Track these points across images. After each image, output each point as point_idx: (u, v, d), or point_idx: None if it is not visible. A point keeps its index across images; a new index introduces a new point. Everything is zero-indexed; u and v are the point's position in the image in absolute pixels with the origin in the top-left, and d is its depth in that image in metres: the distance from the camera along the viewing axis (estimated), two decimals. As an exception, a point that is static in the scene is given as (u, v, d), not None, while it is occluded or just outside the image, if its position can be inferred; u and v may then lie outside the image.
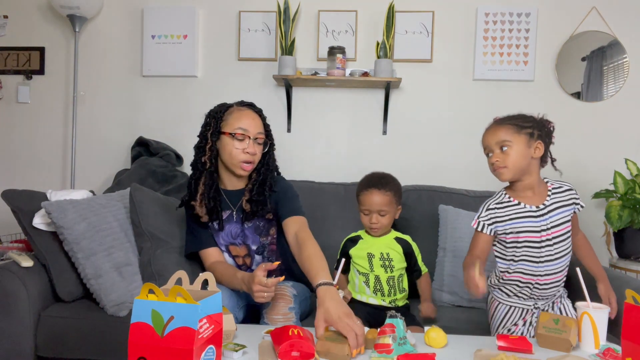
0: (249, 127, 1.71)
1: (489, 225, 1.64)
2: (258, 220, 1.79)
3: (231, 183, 1.80)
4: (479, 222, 1.65)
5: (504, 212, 1.63)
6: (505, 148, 1.57)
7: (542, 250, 1.59)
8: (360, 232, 1.96)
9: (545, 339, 1.34)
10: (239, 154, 1.70)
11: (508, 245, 1.64)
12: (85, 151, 2.88)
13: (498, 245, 1.68)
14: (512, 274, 1.64)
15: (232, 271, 1.67)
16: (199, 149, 1.75)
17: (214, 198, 1.75)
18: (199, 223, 1.79)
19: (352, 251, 1.92)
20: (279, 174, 1.88)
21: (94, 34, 2.88)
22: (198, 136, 1.76)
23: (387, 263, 1.88)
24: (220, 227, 1.79)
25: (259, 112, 1.78)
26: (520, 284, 1.63)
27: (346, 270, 1.96)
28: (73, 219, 1.91)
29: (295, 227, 1.69)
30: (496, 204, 1.65)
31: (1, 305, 1.83)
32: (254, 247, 1.82)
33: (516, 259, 1.63)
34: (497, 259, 1.69)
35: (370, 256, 1.88)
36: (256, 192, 1.74)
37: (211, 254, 1.80)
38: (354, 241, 1.94)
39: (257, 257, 1.83)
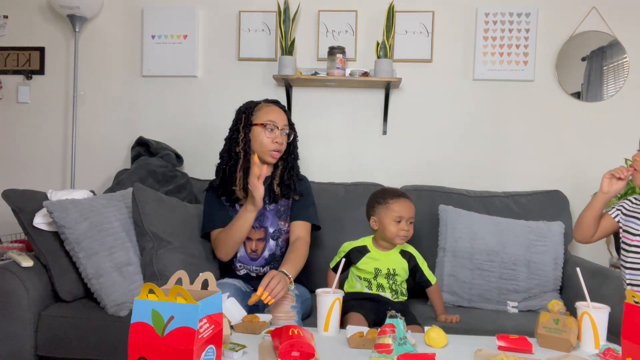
0: (277, 119, 1.91)
1: (616, 209, 1.62)
2: (280, 204, 1.94)
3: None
4: (613, 206, 1.62)
5: (633, 207, 1.59)
6: None
7: None
8: (367, 243, 1.92)
9: (546, 339, 1.34)
10: (269, 143, 1.89)
11: (622, 246, 1.60)
12: (85, 151, 2.87)
13: (622, 250, 1.62)
14: (627, 285, 1.59)
15: (235, 216, 1.85)
16: (232, 140, 1.93)
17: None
18: (218, 206, 1.96)
19: (360, 265, 1.88)
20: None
21: (94, 34, 2.88)
22: (230, 129, 1.95)
23: (391, 277, 1.88)
24: None
25: (283, 108, 1.99)
26: None
27: (344, 269, 1.93)
28: (75, 218, 1.91)
29: (299, 232, 1.91)
30: (634, 198, 1.61)
31: (1, 305, 1.83)
32: (271, 230, 1.94)
33: (626, 265, 1.58)
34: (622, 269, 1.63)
35: (377, 271, 1.87)
36: (287, 176, 1.95)
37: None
38: (361, 252, 1.89)
39: (272, 242, 1.93)
